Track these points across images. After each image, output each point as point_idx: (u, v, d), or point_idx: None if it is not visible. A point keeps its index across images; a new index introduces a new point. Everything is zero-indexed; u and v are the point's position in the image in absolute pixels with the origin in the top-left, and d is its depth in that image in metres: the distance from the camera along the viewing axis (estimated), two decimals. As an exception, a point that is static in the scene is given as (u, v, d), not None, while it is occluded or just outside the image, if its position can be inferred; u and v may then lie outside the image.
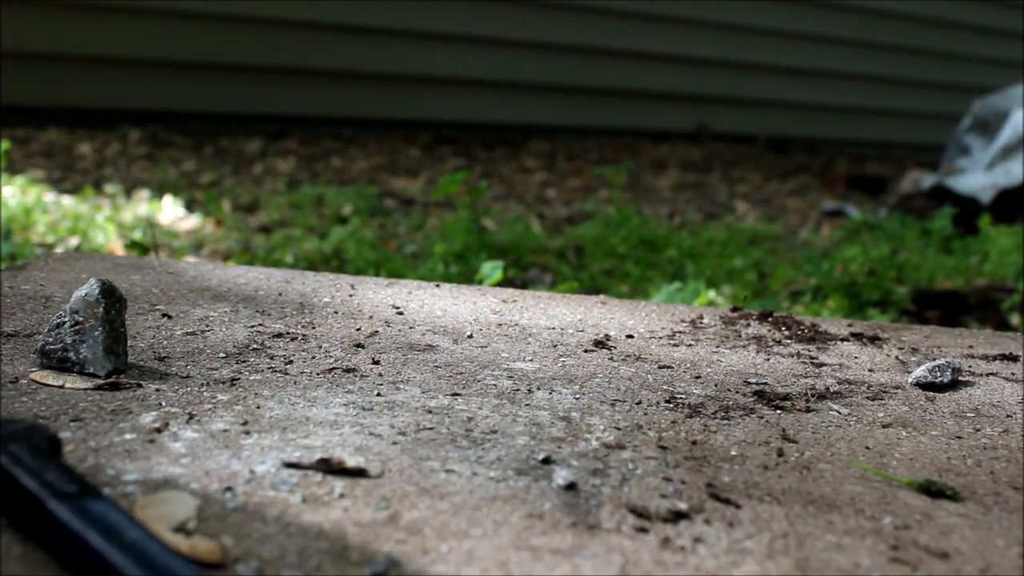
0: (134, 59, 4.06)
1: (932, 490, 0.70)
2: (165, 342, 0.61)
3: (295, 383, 0.55)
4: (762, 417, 0.81)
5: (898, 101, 6.49)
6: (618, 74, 5.35)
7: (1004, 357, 1.06)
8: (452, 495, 0.52)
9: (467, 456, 0.61)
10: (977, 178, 3.36)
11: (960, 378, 0.98)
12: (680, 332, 1.07)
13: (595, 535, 0.46)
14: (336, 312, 0.72)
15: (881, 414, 0.85)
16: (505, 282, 1.92)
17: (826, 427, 0.80)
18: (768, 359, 0.99)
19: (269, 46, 4.34)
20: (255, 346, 0.62)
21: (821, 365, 0.99)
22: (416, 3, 4.64)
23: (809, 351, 1.04)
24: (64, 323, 0.54)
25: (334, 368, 0.58)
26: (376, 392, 0.54)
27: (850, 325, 1.17)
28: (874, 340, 1.10)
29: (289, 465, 0.42)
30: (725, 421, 0.78)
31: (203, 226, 2.56)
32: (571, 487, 0.60)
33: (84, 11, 3.93)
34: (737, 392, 0.87)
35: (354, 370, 0.58)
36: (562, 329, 1.01)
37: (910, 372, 1.00)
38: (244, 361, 0.58)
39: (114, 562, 0.30)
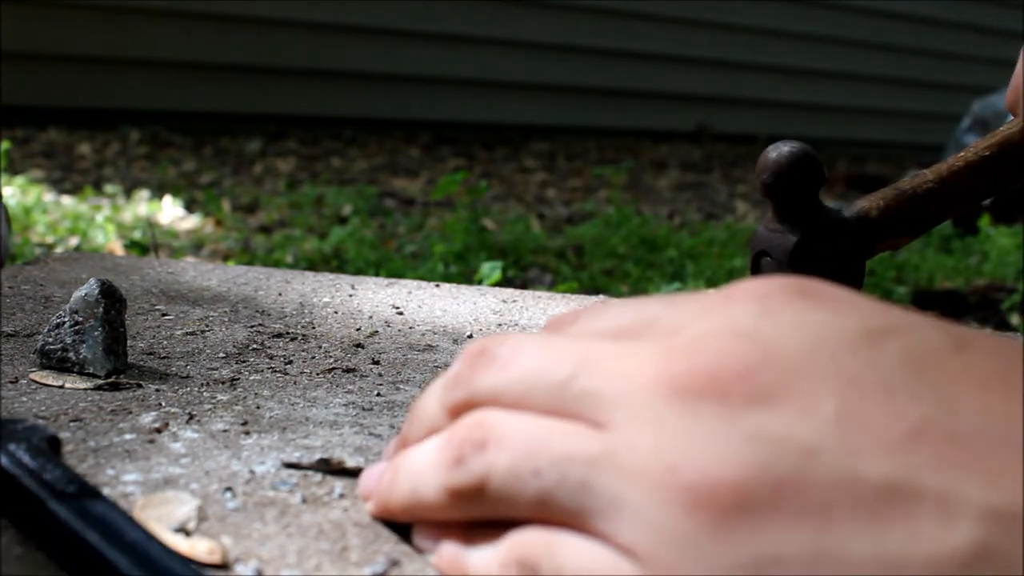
0: (134, 59, 4.06)
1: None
2: (165, 342, 0.61)
3: (295, 383, 0.54)
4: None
5: (898, 101, 6.49)
6: (618, 74, 5.35)
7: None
8: (452, 495, 0.52)
9: (467, 456, 0.60)
10: (977, 178, 3.34)
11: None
12: (680, 332, 1.06)
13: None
14: (336, 312, 0.72)
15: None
16: (505, 282, 1.92)
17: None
18: (768, 359, 0.99)
19: (269, 46, 4.35)
20: (255, 346, 0.62)
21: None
22: (416, 3, 4.64)
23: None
24: (64, 323, 0.53)
25: (334, 368, 0.58)
26: (376, 392, 0.54)
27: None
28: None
29: (289, 465, 0.42)
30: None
31: (203, 226, 2.56)
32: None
33: (84, 11, 3.94)
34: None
35: (354, 370, 0.58)
36: (562, 329, 1.00)
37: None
38: (244, 361, 0.58)
39: (114, 562, 0.30)
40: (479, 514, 0.32)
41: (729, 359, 0.29)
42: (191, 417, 0.47)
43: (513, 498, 0.30)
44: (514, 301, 0.78)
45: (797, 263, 0.57)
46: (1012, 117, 0.65)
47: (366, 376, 0.56)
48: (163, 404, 0.49)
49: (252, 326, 0.66)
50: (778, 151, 0.58)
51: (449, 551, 0.33)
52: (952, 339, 0.29)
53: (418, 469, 0.34)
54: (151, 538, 0.31)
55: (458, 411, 0.34)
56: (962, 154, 0.61)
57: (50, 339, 0.53)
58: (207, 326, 0.65)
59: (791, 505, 0.26)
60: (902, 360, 0.28)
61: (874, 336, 0.28)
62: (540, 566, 0.29)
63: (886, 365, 0.28)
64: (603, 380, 0.30)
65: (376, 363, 0.59)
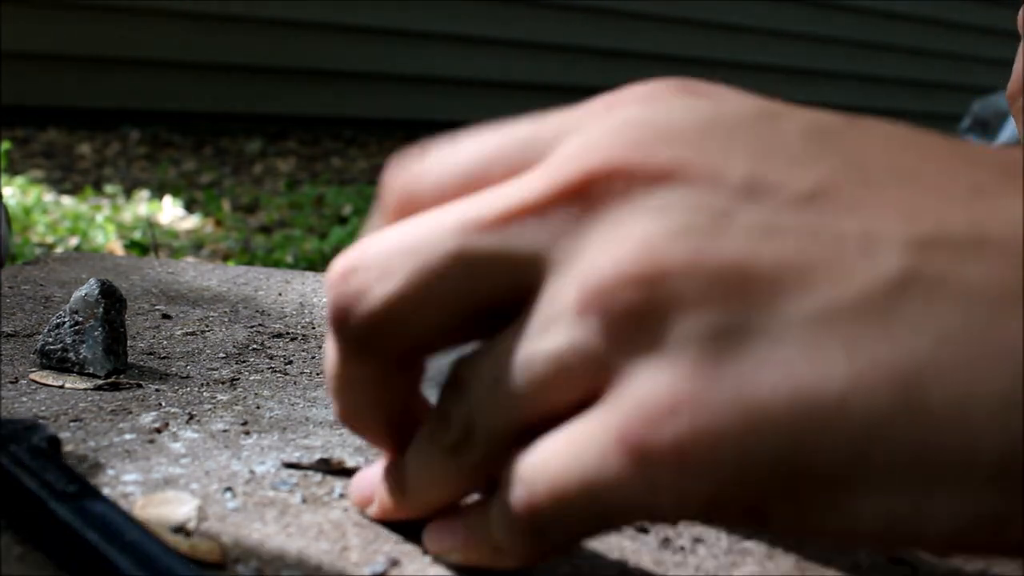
0: (134, 59, 4.06)
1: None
2: (165, 342, 0.61)
3: (295, 383, 0.54)
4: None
5: (898, 101, 6.49)
6: (618, 74, 5.34)
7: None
8: (452, 495, 0.52)
9: (467, 456, 0.60)
10: (977, 178, 3.34)
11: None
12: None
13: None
14: (336, 312, 0.72)
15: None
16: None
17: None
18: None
19: (269, 46, 4.35)
20: (255, 346, 0.62)
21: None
22: (416, 3, 4.64)
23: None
24: (64, 323, 0.53)
25: (334, 368, 0.58)
26: (376, 392, 0.54)
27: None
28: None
29: (289, 465, 0.42)
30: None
31: (203, 226, 2.56)
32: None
33: (84, 11, 3.94)
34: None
35: (354, 370, 0.58)
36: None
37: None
38: (244, 361, 0.58)
39: (114, 562, 0.30)
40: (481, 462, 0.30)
41: (623, 149, 0.27)
42: (191, 417, 0.47)
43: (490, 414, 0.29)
44: (514, 301, 0.78)
45: None
46: (1012, 117, 0.64)
47: (366, 376, 0.56)
48: (163, 404, 0.49)
49: (252, 326, 0.66)
50: None
51: (472, 537, 0.31)
52: (845, 117, 0.28)
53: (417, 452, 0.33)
54: (151, 538, 0.31)
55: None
56: None
57: (50, 339, 0.53)
58: (207, 326, 0.65)
59: (709, 271, 0.25)
60: (802, 133, 0.27)
61: (770, 116, 0.28)
62: (536, 485, 0.27)
63: (787, 137, 0.27)
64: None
65: (376, 363, 0.59)
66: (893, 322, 0.24)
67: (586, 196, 0.27)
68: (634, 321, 0.25)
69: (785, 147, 0.27)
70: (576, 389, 0.27)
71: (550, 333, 0.27)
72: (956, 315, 0.23)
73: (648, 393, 0.25)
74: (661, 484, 0.25)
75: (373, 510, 0.36)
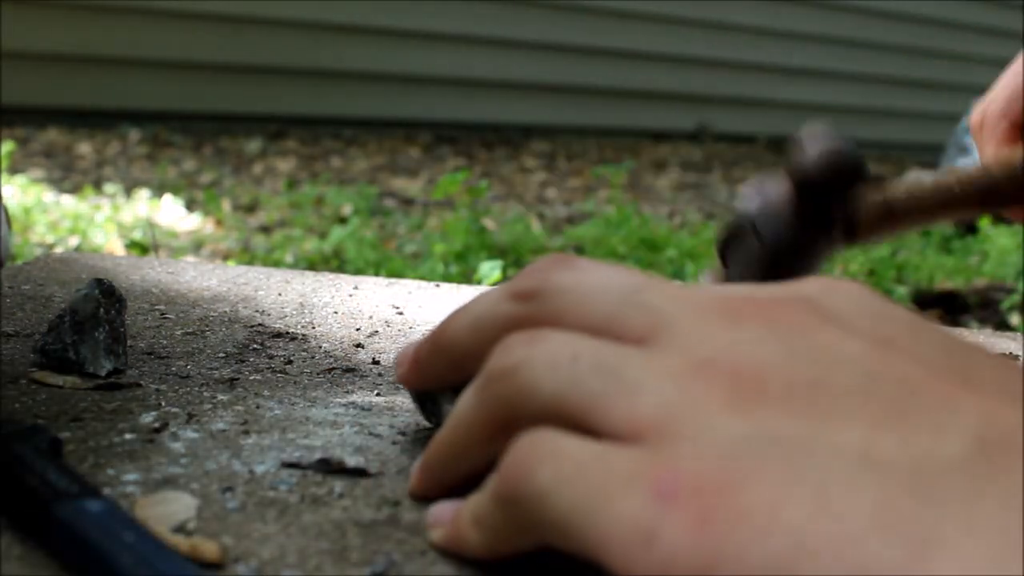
0: (134, 59, 4.06)
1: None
2: (165, 342, 0.61)
3: (295, 383, 0.54)
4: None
5: (898, 101, 6.49)
6: (618, 74, 5.35)
7: (1004, 357, 1.06)
8: (452, 495, 0.52)
9: (467, 456, 0.60)
10: (977, 178, 3.34)
11: (960, 378, 0.97)
12: (680, 332, 1.06)
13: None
14: (336, 312, 0.72)
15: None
16: (505, 281, 1.92)
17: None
18: (768, 359, 0.99)
19: (269, 46, 4.35)
20: (255, 346, 0.62)
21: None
22: (416, 3, 4.64)
23: (809, 351, 1.03)
24: (64, 323, 0.53)
25: (334, 368, 0.58)
26: (376, 392, 0.54)
27: (850, 325, 1.17)
28: (874, 340, 1.09)
29: (289, 465, 0.42)
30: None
31: (203, 226, 2.56)
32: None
33: (84, 11, 3.94)
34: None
35: (354, 370, 0.58)
36: (562, 329, 1.00)
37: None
38: (244, 361, 0.58)
39: (115, 562, 0.30)
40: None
41: (784, 290, 0.32)
42: (191, 417, 0.47)
43: (539, 384, 0.32)
44: (514, 301, 0.78)
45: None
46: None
47: (366, 376, 0.56)
48: (163, 404, 0.49)
49: (252, 326, 0.66)
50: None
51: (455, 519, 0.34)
52: (950, 349, 0.30)
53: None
54: (151, 538, 0.31)
55: (524, 297, 0.36)
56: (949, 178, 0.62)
57: (50, 339, 0.53)
58: (207, 326, 0.65)
59: (800, 398, 0.28)
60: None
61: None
62: (528, 478, 0.30)
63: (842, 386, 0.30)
64: (664, 298, 0.33)
65: (376, 363, 0.59)
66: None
67: (734, 311, 0.31)
68: (727, 398, 0.29)
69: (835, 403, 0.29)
70: (632, 414, 0.30)
71: (644, 374, 0.31)
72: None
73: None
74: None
75: (414, 486, 0.38)
